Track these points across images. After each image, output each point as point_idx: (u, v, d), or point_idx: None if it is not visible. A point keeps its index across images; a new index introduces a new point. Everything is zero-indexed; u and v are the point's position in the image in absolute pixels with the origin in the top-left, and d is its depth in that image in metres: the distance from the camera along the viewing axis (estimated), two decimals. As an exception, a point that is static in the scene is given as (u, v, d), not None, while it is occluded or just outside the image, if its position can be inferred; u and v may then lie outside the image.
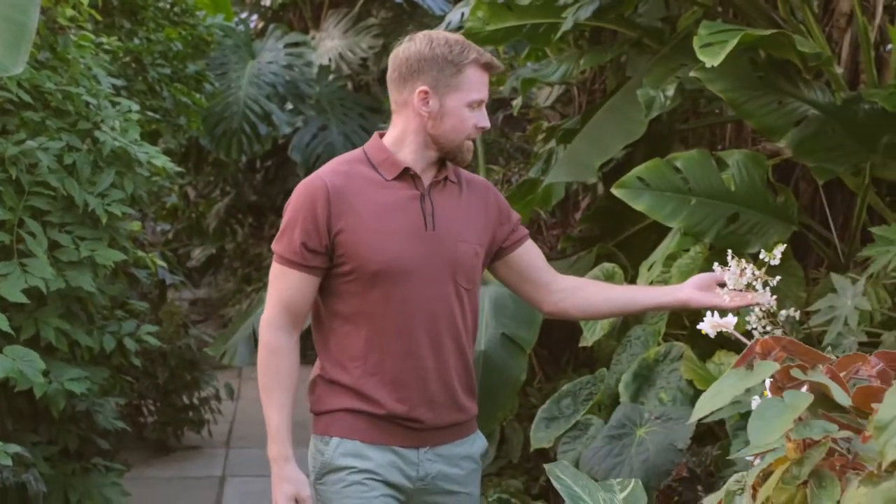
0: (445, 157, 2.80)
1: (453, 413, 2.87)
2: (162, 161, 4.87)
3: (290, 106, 8.67)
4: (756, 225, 3.73)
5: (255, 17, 10.10)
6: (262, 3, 9.91)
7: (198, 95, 7.03)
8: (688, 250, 3.79)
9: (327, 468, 2.82)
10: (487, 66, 2.77)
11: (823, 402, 1.69)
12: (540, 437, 3.82)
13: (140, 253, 5.17)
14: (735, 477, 1.85)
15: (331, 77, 9.14)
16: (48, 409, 4.43)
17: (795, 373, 1.69)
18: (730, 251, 2.76)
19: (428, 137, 2.77)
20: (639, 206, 3.70)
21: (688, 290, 2.85)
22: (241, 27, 9.10)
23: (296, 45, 8.91)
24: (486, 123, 2.82)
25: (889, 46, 4.10)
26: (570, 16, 4.36)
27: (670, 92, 3.98)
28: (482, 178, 3.08)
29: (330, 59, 9.11)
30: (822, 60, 3.55)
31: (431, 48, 2.74)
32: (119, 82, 5.72)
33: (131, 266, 5.51)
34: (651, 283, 3.82)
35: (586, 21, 4.39)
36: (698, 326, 2.08)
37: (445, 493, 2.89)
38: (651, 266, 3.82)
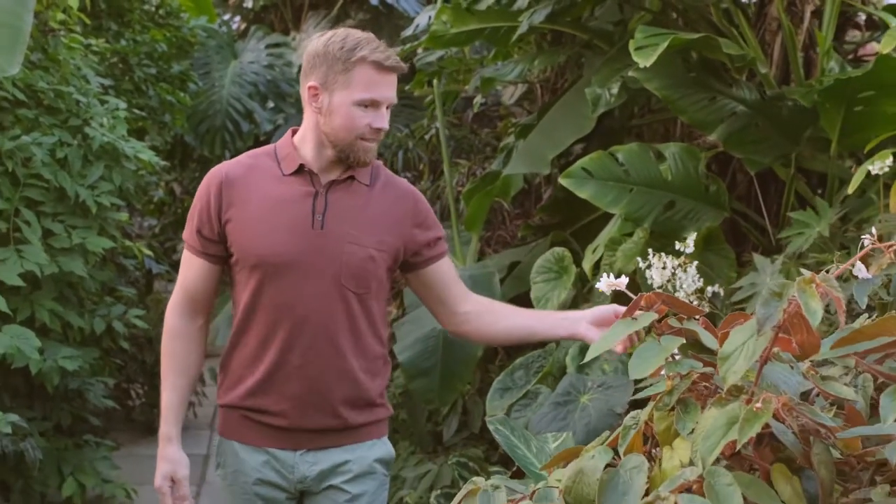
0: (341, 157, 2.74)
1: (326, 418, 2.80)
2: (148, 156, 5.20)
3: (271, 104, 8.94)
4: (691, 211, 4.08)
5: (237, 18, 10.38)
6: (244, 5, 10.20)
7: (182, 94, 7.33)
8: (631, 234, 4.14)
9: (216, 463, 2.95)
10: (379, 66, 2.68)
11: (695, 346, 2.04)
12: (495, 405, 4.16)
13: (128, 242, 5.50)
14: (631, 414, 2.20)
15: (311, 76, 9.44)
16: (43, 386, 4.76)
17: (672, 322, 2.04)
18: (651, 251, 3.12)
19: (322, 135, 2.73)
20: (583, 193, 4.04)
21: (584, 325, 2.73)
22: (224, 29, 9.36)
23: (276, 45, 9.20)
24: (383, 125, 2.72)
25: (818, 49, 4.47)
26: (525, 20, 4.71)
27: (615, 90, 4.32)
28: (407, 186, 2.93)
29: (310, 59, 9.43)
30: (747, 61, 3.91)
31: (326, 45, 2.70)
32: (107, 82, 6.02)
33: (119, 255, 5.84)
34: (596, 264, 4.17)
35: (540, 24, 4.74)
36: (596, 285, 2.41)
37: (336, 491, 2.85)
38: (595, 249, 4.16)
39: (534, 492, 1.88)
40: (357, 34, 2.72)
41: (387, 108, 2.73)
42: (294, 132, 2.83)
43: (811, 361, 1.98)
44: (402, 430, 5.49)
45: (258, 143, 9.22)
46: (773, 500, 1.73)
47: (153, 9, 7.47)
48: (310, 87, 2.71)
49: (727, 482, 1.69)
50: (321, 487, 2.84)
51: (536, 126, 4.85)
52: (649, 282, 3.36)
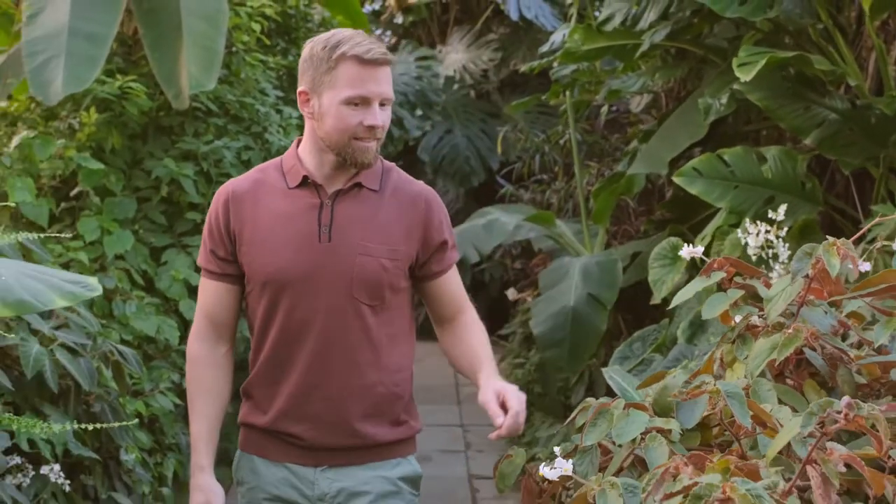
0: (341, 160, 2.63)
1: (344, 437, 2.69)
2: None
3: (419, 112, 9.69)
4: (788, 206, 4.68)
5: (388, 33, 11.11)
6: (395, 21, 10.92)
7: (341, 103, 8.15)
8: (736, 226, 4.76)
9: (236, 480, 2.85)
10: (361, 60, 2.56)
11: (755, 297, 2.70)
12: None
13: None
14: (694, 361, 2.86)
15: (455, 86, 10.19)
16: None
17: (737, 279, 2.71)
18: (746, 218, 3.74)
19: (319, 141, 2.64)
20: (693, 190, 4.69)
21: (487, 395, 2.58)
22: (377, 43, 10.18)
23: (424, 58, 9.97)
24: (375, 121, 2.58)
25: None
26: (647, 38, 5.37)
27: (724, 100, 4.94)
28: (421, 187, 2.80)
29: (455, 71, 10.17)
30: (837, 76, 4.51)
31: (311, 49, 2.62)
32: (279, 93, 6.85)
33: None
34: (706, 252, 4.80)
35: (661, 42, 5.39)
36: (679, 252, 3.04)
37: None
38: (704, 238, 4.80)
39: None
40: (342, 33, 2.62)
41: (381, 104, 2.61)
42: (299, 142, 2.75)
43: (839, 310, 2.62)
44: (538, 403, 6.19)
45: (407, 148, 10.03)
46: (802, 404, 2.39)
47: (315, 27, 8.28)
48: (300, 94, 2.65)
49: (767, 388, 2.34)
50: None
51: (657, 132, 5.51)
52: (748, 250, 3.91)
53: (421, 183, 2.82)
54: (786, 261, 4.19)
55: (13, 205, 4.75)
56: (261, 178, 2.74)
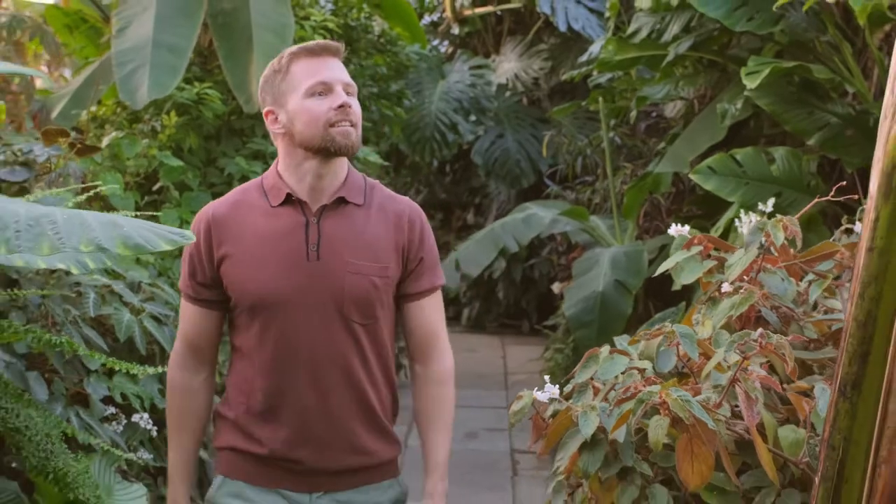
0: (328, 155, 2.58)
1: (348, 456, 2.66)
2: (375, 158, 6.61)
3: (473, 118, 10.22)
4: (794, 201, 5.19)
5: (444, 43, 11.62)
6: (451, 32, 11.41)
7: (398, 109, 8.70)
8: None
9: None
10: (308, 51, 2.61)
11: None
12: (637, 349, 5.37)
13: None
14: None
15: (507, 94, 10.72)
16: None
17: (713, 252, 3.24)
18: (742, 210, 4.25)
19: (299, 151, 2.59)
20: (708, 186, 5.22)
21: (427, 494, 2.74)
22: (434, 53, 10.69)
23: (479, 67, 10.49)
24: (342, 100, 2.57)
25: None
26: (672, 49, 5.91)
27: (739, 105, 5.47)
28: (407, 203, 2.77)
29: (507, 79, 10.70)
30: (836, 83, 5.02)
31: (263, 75, 2.65)
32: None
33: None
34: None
35: (686, 52, 5.93)
36: (669, 230, 3.55)
37: None
38: (718, 229, 5.32)
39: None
40: (286, 51, 2.66)
41: (345, 89, 2.61)
42: (277, 164, 2.70)
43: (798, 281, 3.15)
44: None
45: (461, 151, 10.60)
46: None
47: (376, 38, 8.85)
48: (266, 115, 2.63)
49: (725, 338, 2.87)
50: None
51: (681, 134, 6.04)
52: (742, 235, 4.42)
53: (406, 198, 2.77)
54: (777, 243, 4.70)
55: (105, 195, 5.38)
56: (241, 200, 2.68)
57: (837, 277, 3.10)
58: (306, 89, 2.57)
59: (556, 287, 8.50)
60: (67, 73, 8.47)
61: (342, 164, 2.67)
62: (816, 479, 1.88)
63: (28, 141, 4.41)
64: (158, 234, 2.24)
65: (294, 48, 2.62)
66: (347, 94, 2.62)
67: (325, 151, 2.58)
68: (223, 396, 2.76)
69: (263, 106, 2.66)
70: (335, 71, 2.61)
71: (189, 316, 2.73)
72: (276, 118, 2.62)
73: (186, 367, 2.75)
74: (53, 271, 4.15)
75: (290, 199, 2.63)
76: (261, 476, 2.68)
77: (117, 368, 3.62)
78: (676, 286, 5.64)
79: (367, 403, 2.68)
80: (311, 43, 2.63)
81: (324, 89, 2.58)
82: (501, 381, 8.62)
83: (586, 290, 5.94)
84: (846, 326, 1.82)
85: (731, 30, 5.52)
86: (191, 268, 2.68)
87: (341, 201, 2.65)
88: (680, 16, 5.69)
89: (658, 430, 2.38)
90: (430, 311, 2.79)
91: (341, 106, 2.57)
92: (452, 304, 10.24)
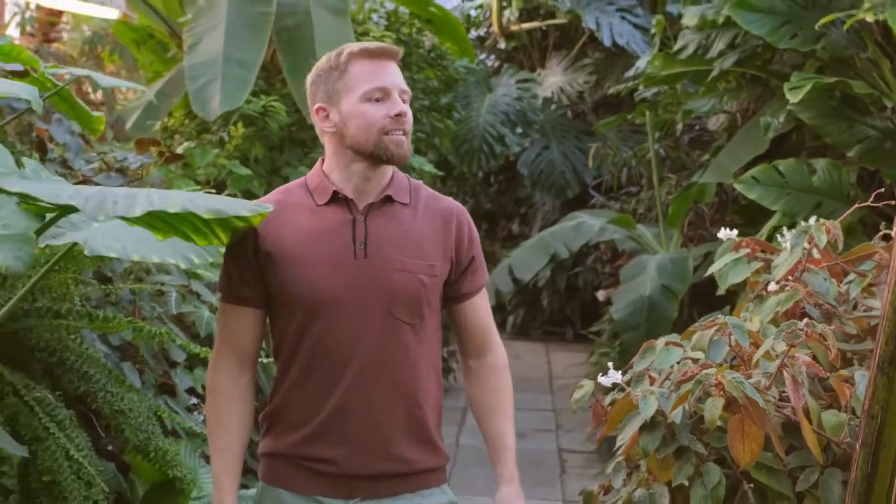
0: (377, 161, 2.52)
1: (384, 462, 2.56)
2: (429, 168, 6.90)
3: (519, 130, 10.44)
4: (834, 210, 5.43)
5: (492, 58, 11.88)
6: (498, 47, 11.69)
7: (448, 121, 8.95)
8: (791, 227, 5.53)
9: None
10: (369, 53, 2.54)
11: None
12: (683, 350, 5.63)
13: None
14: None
15: (553, 107, 10.97)
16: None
17: (760, 255, 3.51)
18: (785, 218, 4.52)
19: (349, 152, 2.52)
20: (751, 195, 5.47)
21: (502, 492, 2.71)
22: (481, 67, 10.96)
23: (525, 81, 10.73)
24: (399, 109, 2.51)
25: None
26: (717, 65, 6.17)
27: (782, 119, 5.72)
28: (453, 203, 2.71)
29: (552, 92, 10.96)
30: (874, 98, 5.27)
31: (316, 68, 2.58)
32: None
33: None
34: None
35: (730, 68, 6.19)
36: (719, 235, 3.81)
37: None
38: (761, 236, 5.56)
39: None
40: (343, 46, 2.61)
41: (400, 95, 2.55)
42: (323, 162, 2.63)
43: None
44: (621, 384, 6.99)
45: (508, 163, 10.87)
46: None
47: (426, 52, 9.12)
48: (317, 111, 2.56)
49: (773, 331, 3.13)
50: None
51: (725, 146, 6.30)
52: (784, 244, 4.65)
53: (449, 198, 2.73)
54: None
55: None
56: (285, 199, 2.59)
57: (876, 278, 3.35)
58: (364, 93, 2.51)
59: (600, 294, 8.75)
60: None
61: (388, 169, 2.60)
62: (857, 445, 2.14)
63: (112, 149, 4.74)
64: (240, 204, 2.50)
65: (353, 47, 2.55)
66: (403, 101, 2.56)
67: (375, 158, 2.52)
68: (268, 400, 2.67)
69: (314, 101, 2.59)
70: (394, 76, 2.55)
71: (230, 317, 2.62)
72: (328, 116, 2.55)
73: (229, 369, 2.62)
74: (129, 273, 4.46)
75: (336, 198, 2.55)
76: (294, 480, 2.59)
77: (202, 356, 3.91)
78: (721, 291, 5.91)
79: (409, 408, 2.59)
80: (371, 44, 2.55)
81: (381, 95, 2.51)
82: (547, 385, 8.89)
83: (634, 295, 6.23)
84: (883, 311, 2.08)
85: (775, 46, 5.77)
86: (233, 267, 2.59)
87: (388, 200, 2.58)
88: (725, 33, 5.96)
89: (713, 409, 2.64)
90: (484, 308, 2.75)
91: (398, 115, 2.52)
92: (498, 312, 10.50)
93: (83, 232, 2.97)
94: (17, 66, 3.57)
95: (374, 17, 8.68)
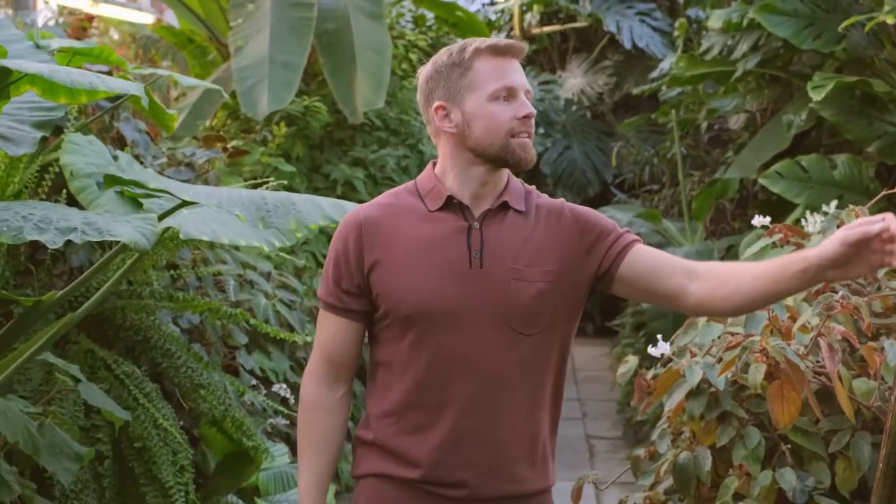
0: (501, 165, 2.38)
1: (504, 483, 2.41)
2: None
3: (542, 130, 10.80)
4: (855, 202, 5.66)
5: (514, 60, 12.30)
6: None
7: (475, 122, 9.28)
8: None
9: None
10: (496, 49, 2.36)
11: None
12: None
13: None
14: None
15: (574, 108, 11.25)
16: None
17: (793, 239, 3.78)
18: (808, 213, 4.77)
19: (468, 154, 2.37)
20: (776, 189, 5.74)
21: (831, 273, 2.27)
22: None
23: (547, 82, 11.08)
24: (528, 110, 2.36)
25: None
26: (740, 65, 6.45)
27: (804, 116, 5.99)
28: (560, 201, 2.51)
29: (573, 94, 11.24)
30: (893, 96, 5.54)
31: (434, 64, 2.41)
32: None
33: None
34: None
35: (753, 69, 6.46)
36: (752, 221, 4.08)
37: None
38: (784, 228, 5.83)
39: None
40: (456, 44, 2.42)
41: (526, 96, 2.39)
42: (434, 164, 2.47)
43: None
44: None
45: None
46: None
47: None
48: (437, 109, 2.38)
49: (807, 307, 3.40)
50: None
51: (748, 143, 6.58)
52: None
53: (556, 199, 2.54)
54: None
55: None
56: (394, 203, 2.45)
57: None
58: (491, 92, 2.34)
59: (622, 289, 9.01)
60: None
61: (505, 173, 2.44)
62: (890, 406, 2.41)
63: (175, 146, 5.03)
64: (328, 203, 2.79)
65: (478, 42, 2.38)
66: (527, 97, 2.41)
67: (500, 161, 2.37)
68: (362, 419, 2.52)
69: (430, 99, 2.41)
70: (520, 75, 2.39)
71: (330, 327, 2.48)
72: (448, 115, 2.37)
73: (324, 382, 2.49)
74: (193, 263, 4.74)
75: (450, 203, 2.39)
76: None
77: (272, 336, 4.18)
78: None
79: (528, 425, 2.42)
80: (499, 40, 2.39)
81: (508, 94, 2.35)
82: (571, 376, 9.18)
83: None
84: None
85: (796, 48, 6.04)
86: (336, 275, 2.44)
87: (504, 206, 2.41)
88: (749, 36, 6.25)
89: (756, 374, 2.90)
90: (653, 250, 2.49)
91: (526, 116, 2.36)
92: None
93: (175, 218, 3.25)
94: (103, 67, 3.85)
95: (402, 21, 8.98)
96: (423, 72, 2.45)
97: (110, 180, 2.86)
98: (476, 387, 2.37)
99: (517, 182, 2.48)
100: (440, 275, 2.36)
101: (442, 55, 2.41)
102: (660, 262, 2.45)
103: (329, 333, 2.48)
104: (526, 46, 2.46)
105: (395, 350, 2.41)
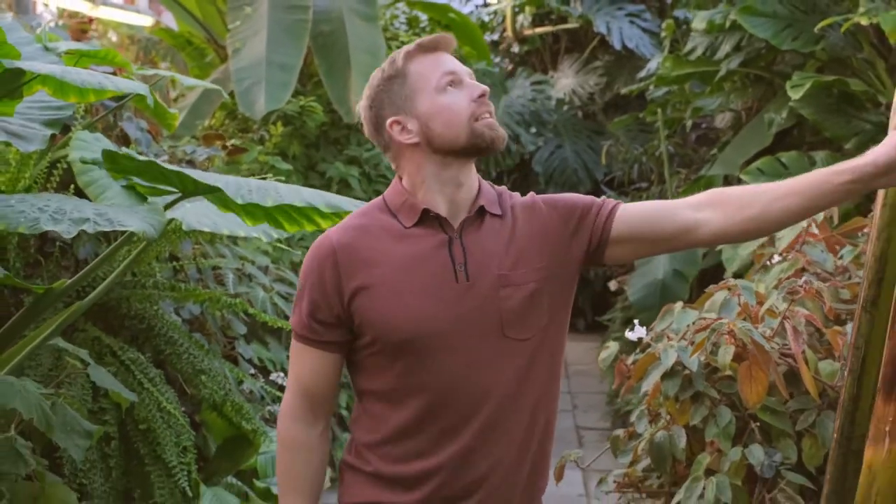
0: (474, 153, 2.26)
1: (514, 493, 2.33)
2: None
3: (533, 129, 10.93)
4: (833, 198, 5.88)
5: (506, 60, 12.30)
6: (512, 50, 12.14)
7: (466, 121, 9.44)
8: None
9: None
10: (425, 47, 2.27)
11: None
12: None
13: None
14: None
15: (565, 107, 11.37)
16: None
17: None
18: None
19: (437, 158, 2.25)
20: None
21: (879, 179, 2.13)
22: (497, 69, 11.40)
23: (538, 83, 11.19)
24: (481, 89, 2.25)
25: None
26: (724, 66, 6.64)
27: (784, 115, 6.18)
28: (530, 196, 2.40)
29: (564, 94, 11.37)
30: (870, 95, 5.73)
31: (372, 84, 2.29)
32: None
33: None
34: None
35: (735, 69, 6.65)
36: None
37: None
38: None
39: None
40: (389, 57, 2.32)
41: (469, 78, 2.28)
42: (401, 179, 2.33)
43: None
44: (634, 366, 7.49)
45: (522, 161, 11.33)
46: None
47: (446, 55, 9.61)
48: (391, 125, 2.26)
49: (775, 294, 3.58)
50: None
51: (731, 141, 6.77)
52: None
53: (527, 195, 2.42)
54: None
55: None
56: (366, 224, 2.30)
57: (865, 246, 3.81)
58: (435, 85, 2.23)
59: (612, 284, 9.22)
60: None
61: (474, 170, 2.32)
62: (846, 373, 2.60)
63: (176, 144, 5.22)
64: (346, 201, 2.98)
65: (405, 48, 2.29)
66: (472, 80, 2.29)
67: (472, 150, 2.25)
68: (348, 446, 2.41)
69: (380, 121, 2.29)
70: (454, 63, 2.28)
71: (305, 361, 2.33)
72: (404, 127, 2.26)
73: (302, 418, 2.35)
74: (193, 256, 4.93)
75: (426, 217, 2.27)
76: None
77: (270, 327, 4.37)
78: (728, 275, 6.38)
79: (532, 430, 2.32)
80: (423, 39, 2.30)
81: (454, 80, 2.24)
82: (563, 371, 9.36)
83: (648, 278, 6.74)
84: (867, 261, 2.54)
85: (777, 48, 6.23)
86: (311, 307, 2.28)
87: (481, 213, 2.29)
88: (731, 36, 6.44)
89: (725, 355, 3.09)
90: (635, 204, 2.38)
91: (482, 95, 2.25)
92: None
93: (178, 211, 3.43)
94: (108, 68, 4.04)
95: (396, 23, 9.17)
96: (362, 104, 2.34)
97: (126, 160, 3.03)
98: (477, 404, 2.25)
99: (487, 185, 2.36)
100: (428, 294, 2.23)
101: (375, 76, 2.31)
102: (656, 206, 2.36)
103: (305, 367, 2.34)
104: (454, 40, 2.36)
105: (383, 378, 2.29)
